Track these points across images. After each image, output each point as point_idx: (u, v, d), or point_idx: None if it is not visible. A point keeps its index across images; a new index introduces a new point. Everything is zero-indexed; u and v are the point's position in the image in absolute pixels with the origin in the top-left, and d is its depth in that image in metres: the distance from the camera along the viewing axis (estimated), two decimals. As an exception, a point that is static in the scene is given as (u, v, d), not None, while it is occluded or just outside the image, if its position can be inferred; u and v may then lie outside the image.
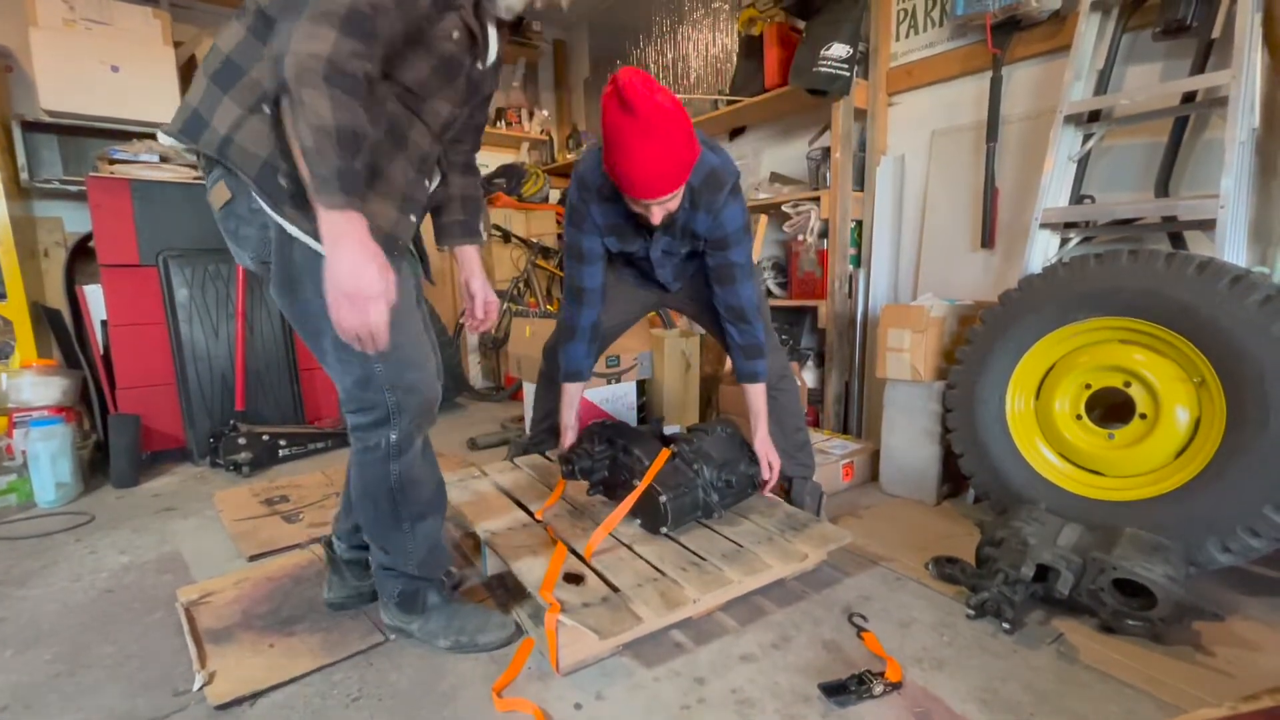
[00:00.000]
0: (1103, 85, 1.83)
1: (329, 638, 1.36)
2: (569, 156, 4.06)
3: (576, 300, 1.68)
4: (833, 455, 2.19)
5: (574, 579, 1.38)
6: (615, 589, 1.33)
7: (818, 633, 1.34)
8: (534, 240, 3.82)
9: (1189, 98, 1.69)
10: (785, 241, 2.81)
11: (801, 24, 2.52)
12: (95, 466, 2.51)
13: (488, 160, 4.17)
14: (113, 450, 2.38)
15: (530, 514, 1.70)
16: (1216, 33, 1.59)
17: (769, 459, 1.68)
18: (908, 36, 2.40)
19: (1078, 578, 1.29)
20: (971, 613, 1.35)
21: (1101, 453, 1.57)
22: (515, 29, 3.82)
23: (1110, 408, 1.63)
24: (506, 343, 3.86)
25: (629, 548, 1.51)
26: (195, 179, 2.67)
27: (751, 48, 2.65)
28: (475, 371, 4.22)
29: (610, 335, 1.94)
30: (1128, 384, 1.54)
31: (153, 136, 2.70)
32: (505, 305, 3.79)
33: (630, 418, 2.68)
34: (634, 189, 1.33)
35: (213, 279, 2.67)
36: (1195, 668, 1.20)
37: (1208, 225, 1.57)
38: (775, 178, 2.89)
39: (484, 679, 1.21)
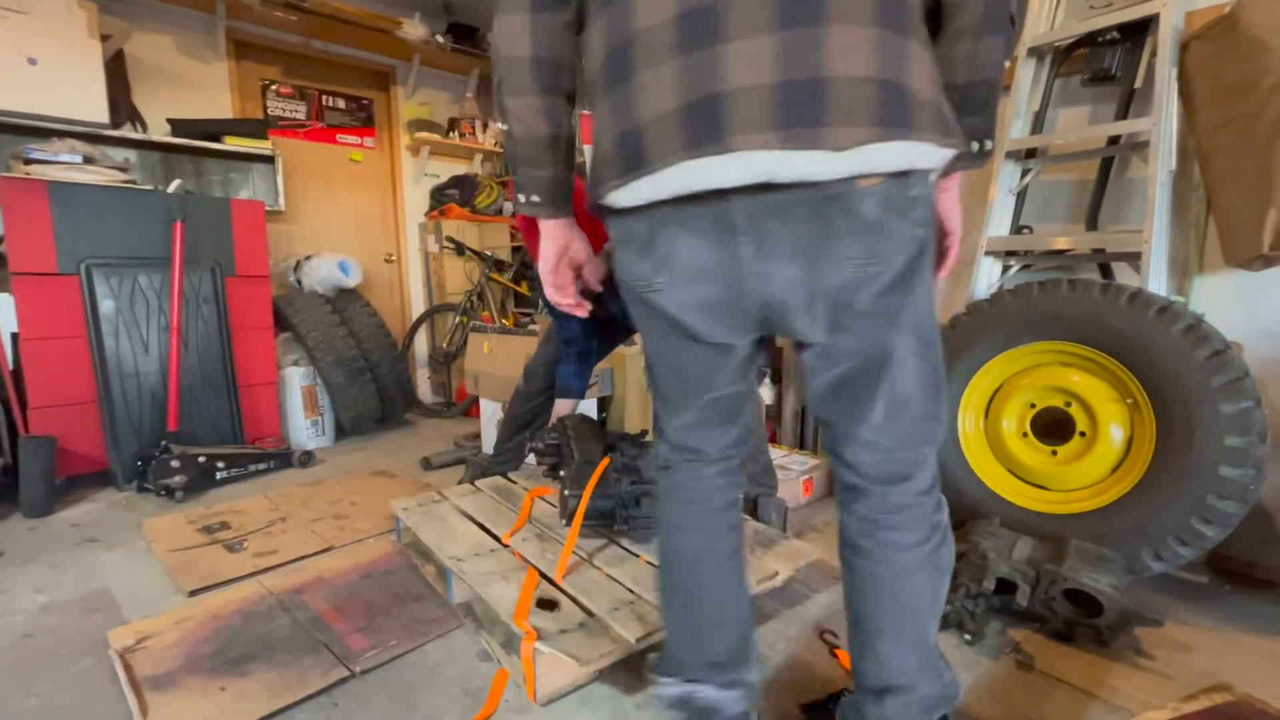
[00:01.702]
0: (1039, 125, 1.98)
1: (286, 676, 1.28)
2: (524, 170, 4.03)
3: (566, 346, 1.96)
4: (792, 471, 2.24)
5: (548, 605, 1.35)
6: (591, 614, 1.31)
7: (792, 651, 1.36)
8: (488, 253, 3.76)
9: (1114, 140, 1.85)
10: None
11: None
12: (2, 494, 2.28)
13: (439, 171, 4.08)
14: (23, 476, 2.17)
15: (497, 538, 1.66)
16: (1138, 83, 1.75)
17: None
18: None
19: (1032, 589, 1.37)
20: (934, 625, 1.40)
21: (1046, 468, 1.68)
22: (468, 38, 3.77)
23: (1050, 426, 1.74)
24: (458, 357, 3.78)
25: (600, 569, 1.50)
26: (124, 183, 2.50)
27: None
28: (424, 386, 4.10)
29: (597, 362, 2.07)
30: (1068, 404, 1.66)
31: (76, 135, 2.51)
32: (458, 318, 3.71)
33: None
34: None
35: (143, 290, 2.49)
36: (1138, 671, 1.29)
37: (1133, 258, 1.71)
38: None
39: (460, 715, 1.17)
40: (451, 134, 3.95)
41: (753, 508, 1.89)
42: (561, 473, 1.75)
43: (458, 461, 2.77)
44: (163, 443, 2.40)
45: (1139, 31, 1.75)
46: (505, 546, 1.63)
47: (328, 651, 1.36)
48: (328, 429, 3.10)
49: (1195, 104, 1.65)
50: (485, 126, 4.08)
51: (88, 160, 2.45)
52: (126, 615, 1.55)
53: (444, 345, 3.76)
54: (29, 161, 2.34)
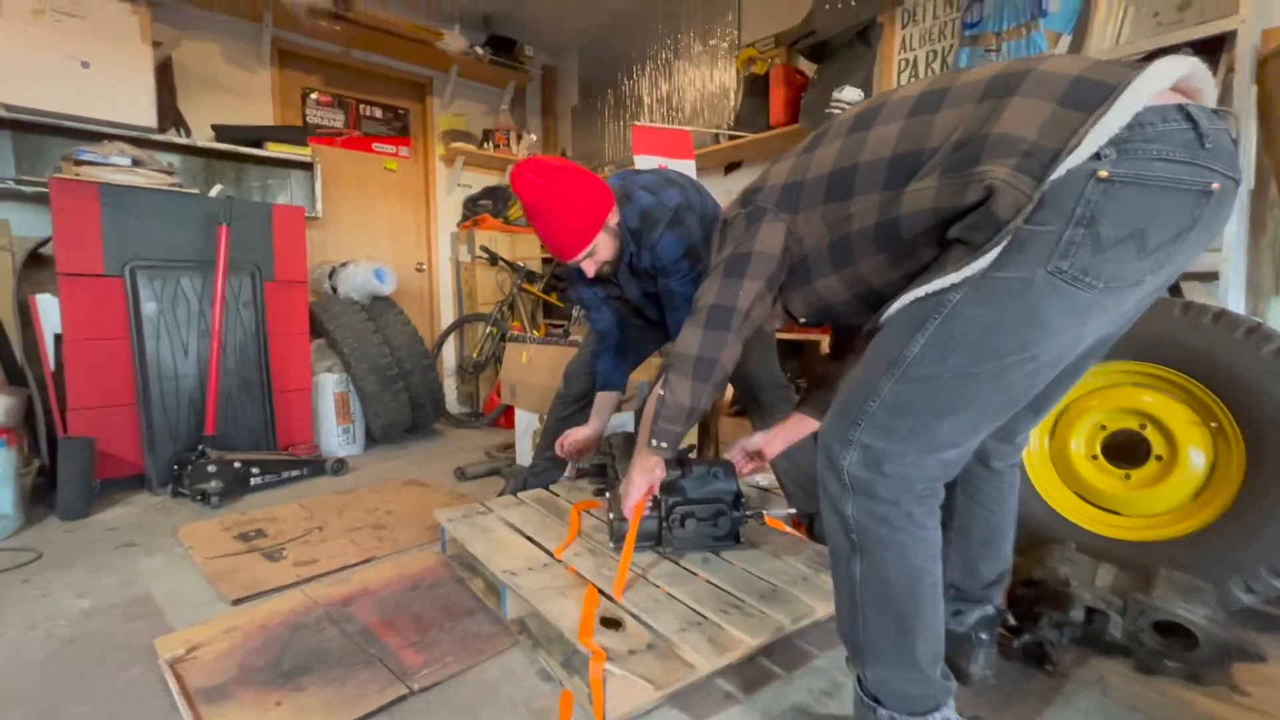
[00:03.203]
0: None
1: (343, 692, 1.23)
2: (557, 181, 4.04)
3: (600, 342, 1.92)
4: (841, 490, 2.18)
5: (611, 624, 1.30)
6: (658, 634, 1.26)
7: (865, 678, 1.30)
8: (520, 263, 3.75)
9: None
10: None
11: (805, 65, 2.58)
12: (38, 495, 2.27)
13: (473, 182, 4.10)
14: (61, 477, 2.16)
15: (549, 553, 1.61)
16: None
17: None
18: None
19: (1120, 618, 1.31)
20: (1012, 653, 1.34)
21: (1118, 492, 1.61)
22: (506, 50, 3.80)
23: (1121, 449, 1.68)
24: (486, 368, 3.75)
25: (660, 587, 1.45)
26: (170, 185, 2.51)
27: (755, 86, 2.71)
28: (451, 396, 4.08)
29: (637, 364, 2.01)
30: (1143, 426, 1.60)
31: (125, 139, 2.53)
32: (488, 328, 3.69)
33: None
34: (554, 255, 1.56)
35: (184, 293, 2.49)
36: (1235, 708, 1.21)
37: (1210, 277, 1.66)
38: (772, 212, 2.93)
39: (529, 739, 1.11)
40: (486, 145, 3.97)
41: (809, 527, 1.84)
42: (608, 495, 1.70)
43: (491, 472, 2.73)
44: (200, 447, 2.37)
45: (1213, 48, 1.71)
46: (558, 561, 1.58)
47: (383, 666, 1.31)
48: (358, 436, 3.08)
49: (1274, 122, 1.61)
50: (519, 138, 4.09)
51: (136, 163, 2.47)
52: (171, 622, 1.51)
53: (474, 355, 3.74)
54: (79, 163, 2.36)
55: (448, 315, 4.13)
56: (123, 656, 1.36)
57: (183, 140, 2.92)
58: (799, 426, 1.50)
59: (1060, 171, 0.79)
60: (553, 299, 3.87)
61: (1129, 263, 0.82)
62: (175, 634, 1.44)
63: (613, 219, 1.55)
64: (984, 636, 1.25)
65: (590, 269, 1.55)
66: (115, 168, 2.39)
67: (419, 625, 1.49)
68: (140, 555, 1.89)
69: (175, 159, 2.99)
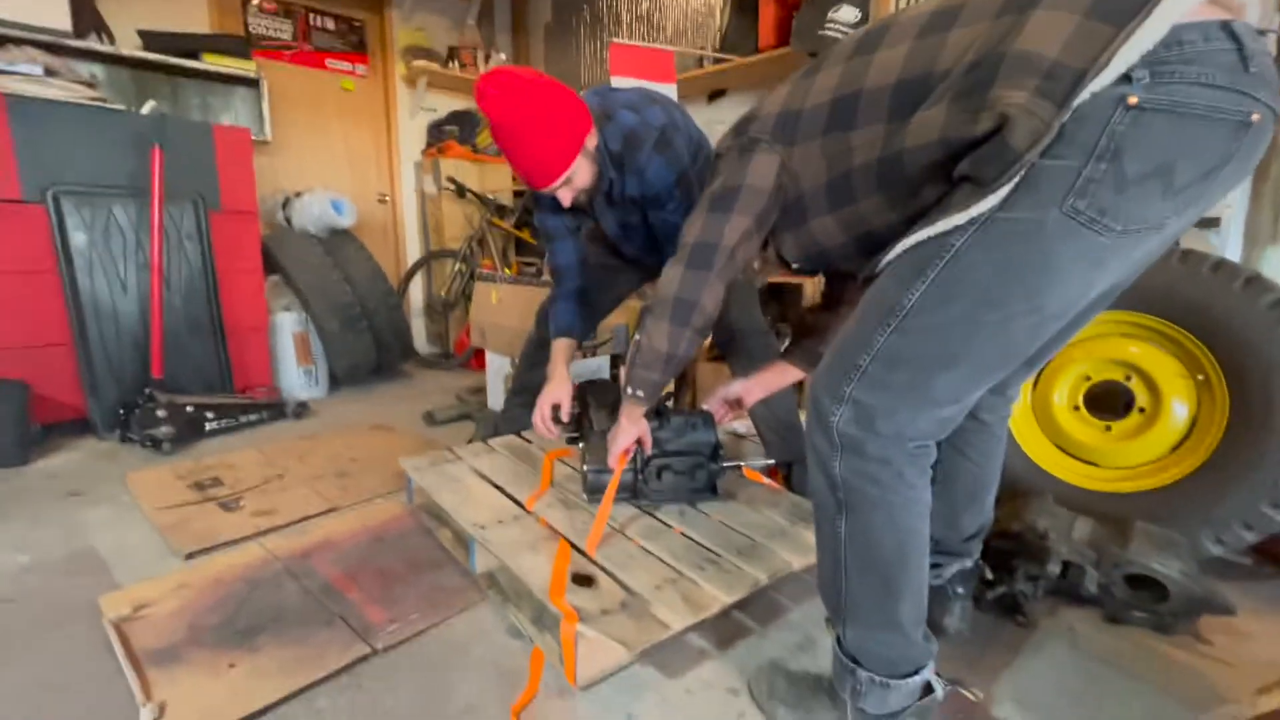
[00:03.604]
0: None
1: (301, 651, 1.18)
2: (529, 107, 3.76)
3: (558, 279, 1.73)
4: (819, 437, 2.15)
5: (584, 580, 1.25)
6: (632, 592, 1.22)
7: (840, 631, 1.29)
8: (489, 196, 3.54)
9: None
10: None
11: (800, -19, 2.37)
12: (-30, 441, 2.12)
13: (437, 105, 3.80)
14: (-5, 423, 2.01)
15: (520, 504, 1.56)
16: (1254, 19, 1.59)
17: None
18: (911, 1, 2.31)
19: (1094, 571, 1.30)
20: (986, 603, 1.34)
21: (1098, 444, 1.60)
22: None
23: (1101, 399, 1.65)
24: (456, 307, 3.61)
25: (634, 541, 1.40)
26: (93, 100, 2.24)
27: (744, 3, 2.49)
28: (420, 336, 3.93)
29: (600, 312, 1.85)
30: (1128, 378, 1.57)
31: (35, 43, 2.23)
32: (457, 265, 3.52)
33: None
34: (526, 183, 1.38)
35: (118, 223, 2.27)
36: (1200, 658, 1.24)
37: (1210, 223, 1.59)
38: (756, 146, 2.77)
39: (499, 700, 1.08)
40: (451, 64, 3.67)
41: (786, 476, 1.81)
42: (581, 445, 1.63)
43: (462, 417, 2.65)
44: (147, 390, 2.23)
45: None
46: (529, 513, 1.52)
47: (344, 624, 1.26)
48: (321, 379, 2.95)
49: (1296, 55, 1.50)
50: (487, 58, 3.78)
51: (49, 73, 2.19)
52: (118, 579, 1.43)
53: (442, 294, 3.58)
54: (-19, 71, 2.08)
55: (414, 250, 3.92)
56: (63, 616, 1.28)
57: (106, 48, 2.61)
58: (781, 375, 1.43)
59: (1084, 95, 0.69)
60: (525, 235, 3.69)
61: (1152, 203, 0.73)
62: (121, 591, 1.36)
63: (591, 141, 1.38)
64: (960, 590, 1.24)
65: (566, 198, 1.40)
66: (25, 77, 2.12)
67: (383, 579, 1.43)
68: (84, 505, 1.79)
69: (97, 69, 2.68)
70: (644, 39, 3.37)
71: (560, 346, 1.69)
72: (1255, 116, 0.70)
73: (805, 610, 1.36)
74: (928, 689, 0.93)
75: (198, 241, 2.46)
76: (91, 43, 2.57)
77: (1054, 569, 1.28)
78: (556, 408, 1.63)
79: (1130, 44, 0.67)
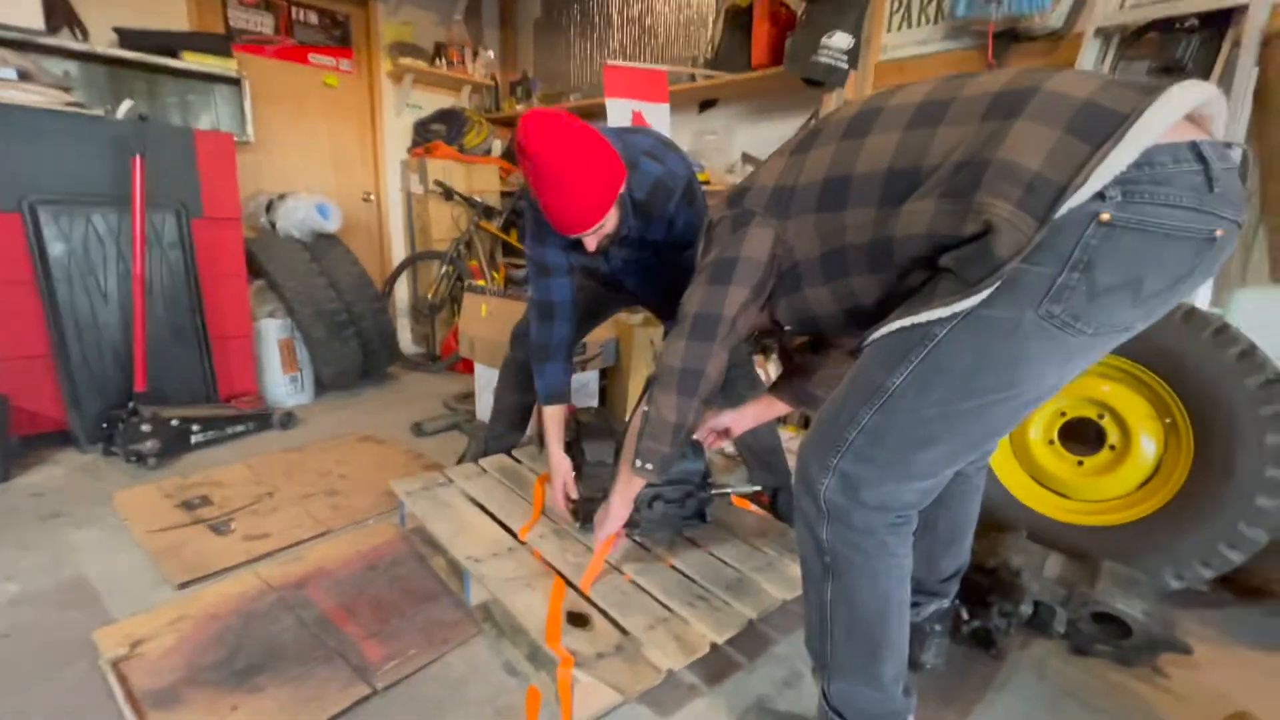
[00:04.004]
0: (1093, 112, 1.86)
1: (302, 692, 1.20)
2: (517, 107, 3.72)
3: (548, 316, 1.64)
4: (804, 457, 2.20)
5: (579, 620, 1.29)
6: (625, 631, 1.26)
7: (823, 665, 1.35)
8: (477, 198, 3.51)
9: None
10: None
11: (793, 1, 2.37)
12: (-52, 456, 2.08)
13: (423, 103, 3.74)
14: (-27, 439, 1.98)
15: (513, 534, 1.59)
16: (1214, 80, 1.64)
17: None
18: (900, 29, 2.33)
19: (1063, 607, 1.38)
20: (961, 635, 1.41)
21: (1070, 477, 1.67)
22: None
23: (1074, 433, 1.72)
24: (443, 309, 3.59)
25: (626, 575, 1.44)
26: (69, 105, 2.18)
27: (737, 19, 2.48)
28: (405, 336, 3.91)
29: (579, 338, 1.86)
30: (1101, 415, 1.63)
31: (5, 43, 2.16)
32: (444, 268, 3.49)
33: (591, 405, 2.57)
34: (558, 228, 1.34)
35: (98, 233, 2.23)
36: (1157, 691, 1.32)
37: (1183, 268, 1.65)
38: (747, 159, 2.79)
39: (496, 745, 1.12)
40: (438, 61, 3.60)
41: (771, 501, 1.86)
42: (574, 474, 1.66)
43: (451, 427, 2.66)
44: (130, 404, 2.20)
45: (1220, 21, 1.63)
46: (522, 544, 1.55)
47: (343, 662, 1.29)
48: (306, 385, 2.93)
49: (1270, 109, 1.56)
50: (475, 55, 3.72)
51: (23, 76, 2.12)
52: (110, 610, 1.44)
53: (429, 296, 3.55)
54: (-48, 75, 2.01)
55: (399, 251, 3.88)
56: (60, 654, 1.29)
57: (79, 46, 2.52)
58: (769, 409, 1.46)
59: (1062, 210, 0.73)
60: (511, 238, 3.67)
61: (1121, 310, 0.79)
62: (116, 626, 1.37)
63: (622, 188, 1.37)
64: (938, 628, 1.30)
65: (592, 243, 1.38)
66: (-2, 82, 2.05)
67: (379, 612, 1.46)
68: (70, 528, 1.78)
69: (72, 67, 2.59)
70: (635, 42, 3.34)
71: (552, 416, 1.66)
72: (1219, 233, 0.75)
73: (790, 643, 1.41)
74: None
75: (180, 250, 2.41)
76: (65, 40, 2.49)
77: (1027, 610, 1.35)
78: (570, 484, 1.64)
79: (1105, 165, 0.71)
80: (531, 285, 1.63)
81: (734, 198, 1.09)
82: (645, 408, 1.17)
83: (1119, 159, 0.71)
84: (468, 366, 3.47)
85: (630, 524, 1.57)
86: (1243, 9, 1.56)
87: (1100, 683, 1.33)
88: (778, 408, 1.47)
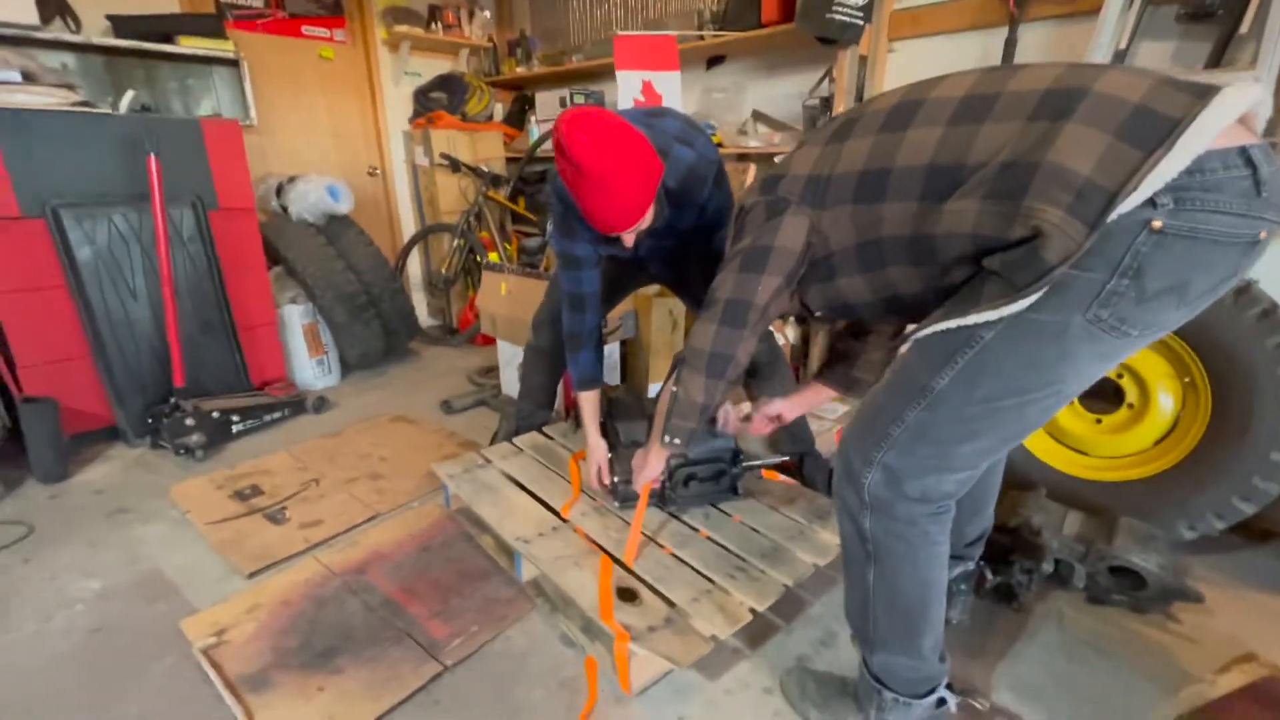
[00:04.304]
0: (1118, 62, 1.82)
1: (379, 672, 1.31)
2: (518, 69, 3.62)
3: (579, 308, 1.66)
4: (825, 420, 2.27)
5: (627, 595, 1.39)
6: (671, 604, 1.36)
7: (856, 625, 1.45)
8: (484, 168, 3.47)
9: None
10: (769, 191, 2.71)
11: (804, -50, 2.28)
12: (6, 456, 2.18)
13: (421, 69, 3.65)
14: (31, 443, 2.07)
15: (556, 513, 1.67)
16: (1245, 27, 1.60)
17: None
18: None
19: (1081, 562, 1.46)
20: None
21: (1088, 434, 1.73)
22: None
23: (1090, 392, 1.76)
24: (457, 282, 3.61)
25: (665, 548, 1.53)
26: (76, 106, 2.16)
27: (746, -28, 2.39)
28: (420, 310, 3.94)
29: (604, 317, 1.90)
30: (1120, 375, 1.67)
31: (2, 40, 2.13)
32: (456, 241, 3.49)
33: (612, 378, 2.63)
34: (599, 227, 1.33)
35: (120, 232, 2.25)
36: (1170, 636, 1.41)
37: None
38: (758, 116, 2.73)
39: (566, 709, 1.23)
40: (434, 26, 3.49)
41: (797, 467, 1.93)
42: (610, 455, 1.73)
43: (478, 404, 2.73)
44: (172, 399, 2.28)
45: (1253, -30, 1.57)
46: (565, 521, 1.64)
47: (413, 642, 1.39)
48: (333, 366, 2.99)
49: (1302, 58, 1.52)
50: (471, 15, 3.60)
51: (27, 77, 2.10)
52: (190, 601, 1.55)
53: (443, 270, 3.56)
54: (-42, 82, 1.99)
55: (408, 223, 3.87)
56: (154, 646, 1.40)
57: (75, 38, 2.47)
58: (818, 395, 1.51)
59: (1112, 216, 0.75)
60: (519, 207, 3.64)
61: (1167, 312, 0.81)
62: (199, 616, 1.48)
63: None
64: (963, 587, 1.39)
65: (630, 240, 1.39)
66: (5, 86, 2.03)
67: (439, 592, 1.56)
68: (136, 523, 1.88)
69: (69, 59, 2.55)
70: (641, 2, 3.22)
71: (588, 400, 1.72)
72: (1263, 235, 0.77)
73: (824, 604, 1.51)
74: (941, 702, 1.08)
75: (200, 243, 2.43)
76: (60, 32, 2.44)
77: (1048, 568, 1.43)
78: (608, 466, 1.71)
79: (1157, 172, 0.72)
80: (561, 277, 1.65)
81: (767, 184, 1.10)
82: (674, 388, 1.22)
83: (1171, 166, 0.72)
84: (487, 339, 3.52)
85: (667, 500, 1.66)
86: (1278, -45, 1.50)
87: (1116, 630, 1.42)
88: (825, 394, 1.52)
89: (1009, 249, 0.82)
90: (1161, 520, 1.54)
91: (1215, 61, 1.68)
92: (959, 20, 2.17)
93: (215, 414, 2.32)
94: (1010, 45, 2.01)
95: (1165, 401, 1.61)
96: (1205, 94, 0.74)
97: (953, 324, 0.88)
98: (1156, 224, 0.75)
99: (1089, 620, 1.46)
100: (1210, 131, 0.72)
